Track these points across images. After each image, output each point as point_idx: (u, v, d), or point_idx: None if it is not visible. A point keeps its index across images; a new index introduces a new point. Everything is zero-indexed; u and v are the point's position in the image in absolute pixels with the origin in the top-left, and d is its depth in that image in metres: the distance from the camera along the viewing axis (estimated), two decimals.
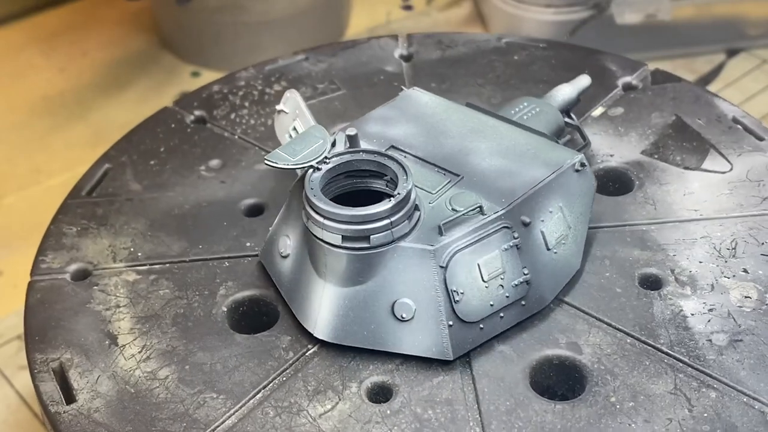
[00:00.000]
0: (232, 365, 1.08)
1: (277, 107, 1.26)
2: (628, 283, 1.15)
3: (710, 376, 1.05)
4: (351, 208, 1.02)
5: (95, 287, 1.19)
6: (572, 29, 2.47)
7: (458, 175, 1.11)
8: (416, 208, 1.06)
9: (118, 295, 1.18)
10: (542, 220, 1.10)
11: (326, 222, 1.03)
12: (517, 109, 1.29)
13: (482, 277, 1.05)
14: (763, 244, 1.20)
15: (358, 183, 1.09)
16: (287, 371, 1.07)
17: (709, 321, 1.11)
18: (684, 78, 1.48)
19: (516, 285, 1.07)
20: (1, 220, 2.18)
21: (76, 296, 1.18)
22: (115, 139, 1.43)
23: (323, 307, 1.07)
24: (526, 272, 1.08)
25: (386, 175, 1.08)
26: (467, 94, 1.46)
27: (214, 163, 1.38)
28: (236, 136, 1.43)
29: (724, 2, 2.52)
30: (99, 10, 2.80)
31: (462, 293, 1.04)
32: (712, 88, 2.34)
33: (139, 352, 1.10)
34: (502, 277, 1.06)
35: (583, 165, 1.14)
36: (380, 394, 1.05)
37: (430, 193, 1.09)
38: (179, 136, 1.44)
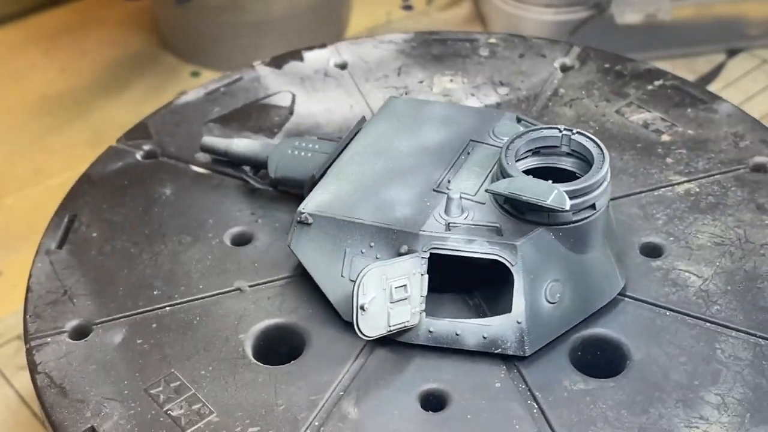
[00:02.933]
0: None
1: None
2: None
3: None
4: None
5: None
6: (572, 29, 2.46)
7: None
8: None
9: None
10: None
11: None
12: (310, 145, 1.27)
13: None
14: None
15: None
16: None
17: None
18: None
19: None
20: (1, 220, 2.18)
21: None
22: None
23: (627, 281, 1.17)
24: None
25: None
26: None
27: None
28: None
29: (724, 2, 2.52)
30: (99, 10, 2.79)
31: None
32: (712, 88, 2.34)
33: None
34: None
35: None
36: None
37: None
38: None
